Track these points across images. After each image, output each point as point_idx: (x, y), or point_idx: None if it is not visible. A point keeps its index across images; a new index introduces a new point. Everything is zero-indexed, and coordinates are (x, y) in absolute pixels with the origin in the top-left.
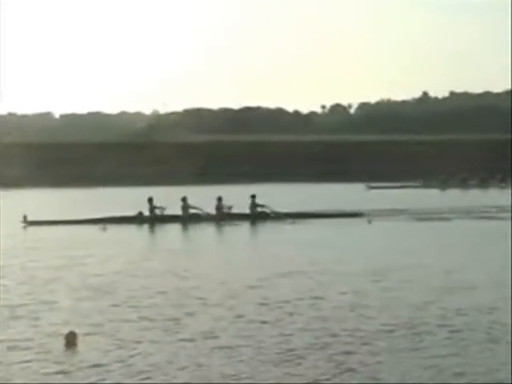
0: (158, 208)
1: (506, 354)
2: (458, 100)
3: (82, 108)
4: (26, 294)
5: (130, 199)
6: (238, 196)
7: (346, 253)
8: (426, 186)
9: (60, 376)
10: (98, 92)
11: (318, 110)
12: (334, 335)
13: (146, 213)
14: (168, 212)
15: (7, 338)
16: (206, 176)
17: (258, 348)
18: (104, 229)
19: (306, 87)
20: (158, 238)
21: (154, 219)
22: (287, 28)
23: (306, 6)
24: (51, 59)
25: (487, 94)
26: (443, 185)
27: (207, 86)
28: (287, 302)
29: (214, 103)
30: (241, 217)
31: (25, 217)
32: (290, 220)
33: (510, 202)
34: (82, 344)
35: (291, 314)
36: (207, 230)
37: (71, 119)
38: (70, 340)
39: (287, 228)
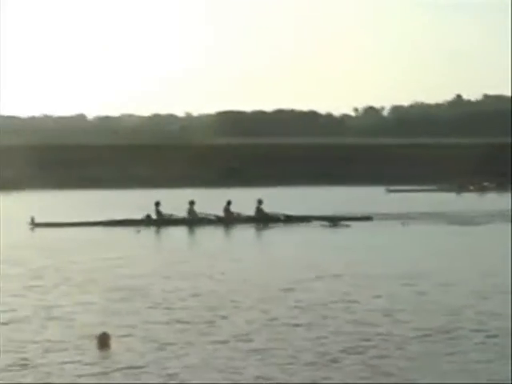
0: (164, 215)
1: None
2: (491, 103)
3: (115, 110)
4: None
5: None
6: (273, 198)
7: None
8: (441, 189)
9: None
10: (130, 94)
11: (351, 112)
12: (368, 339)
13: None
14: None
15: (44, 338)
16: (237, 178)
17: (294, 351)
18: (138, 231)
19: (338, 89)
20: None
21: (161, 222)
22: (314, 31)
23: (336, 6)
24: (63, 61)
25: None
26: (459, 189)
27: (240, 87)
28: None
29: (248, 106)
30: (249, 220)
31: (32, 218)
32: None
33: None
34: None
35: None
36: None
37: (104, 121)
38: (103, 341)
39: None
